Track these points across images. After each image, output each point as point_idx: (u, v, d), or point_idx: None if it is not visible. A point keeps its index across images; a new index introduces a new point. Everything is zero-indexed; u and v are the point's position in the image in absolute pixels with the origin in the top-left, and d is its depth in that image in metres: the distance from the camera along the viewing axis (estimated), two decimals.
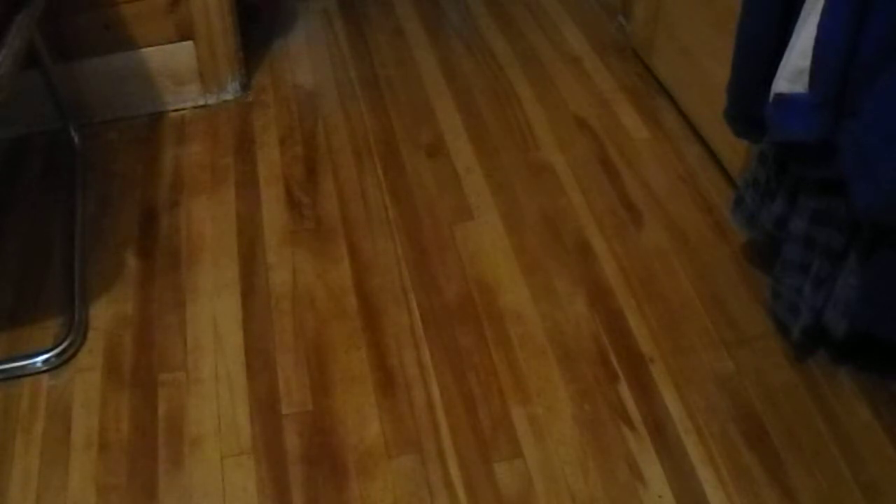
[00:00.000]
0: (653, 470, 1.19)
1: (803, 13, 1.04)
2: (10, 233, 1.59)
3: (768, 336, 1.35)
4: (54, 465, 1.23)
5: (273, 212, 1.60)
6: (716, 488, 1.16)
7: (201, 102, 1.86)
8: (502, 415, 1.26)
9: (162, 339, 1.39)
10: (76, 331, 1.39)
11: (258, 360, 1.35)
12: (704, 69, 1.62)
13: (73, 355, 1.37)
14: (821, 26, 0.98)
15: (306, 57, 1.99)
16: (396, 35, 2.06)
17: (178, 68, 1.81)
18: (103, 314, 1.43)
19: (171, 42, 1.77)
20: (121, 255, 1.53)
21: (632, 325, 1.37)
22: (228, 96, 1.87)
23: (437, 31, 2.06)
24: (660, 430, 1.23)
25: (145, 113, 1.84)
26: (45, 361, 1.35)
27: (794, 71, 1.04)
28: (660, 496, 1.16)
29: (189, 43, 1.78)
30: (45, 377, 1.34)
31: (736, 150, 1.51)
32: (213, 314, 1.42)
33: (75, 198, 1.63)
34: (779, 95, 1.07)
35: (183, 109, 1.85)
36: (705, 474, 1.18)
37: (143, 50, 1.77)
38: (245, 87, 1.89)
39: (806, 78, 1.03)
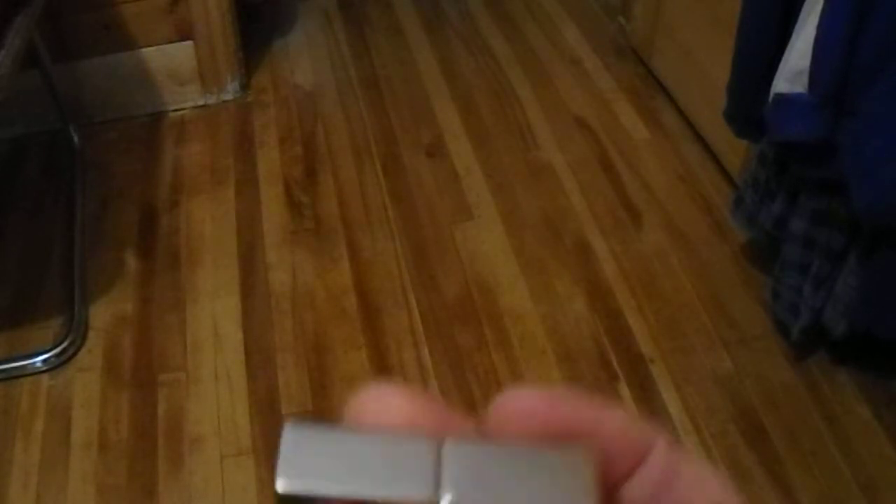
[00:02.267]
0: None
1: (803, 14, 1.04)
2: (10, 233, 1.59)
3: (768, 336, 1.35)
4: (54, 464, 1.23)
5: (273, 212, 1.60)
6: None
7: (201, 102, 1.86)
8: None
9: (162, 339, 1.39)
10: (76, 331, 1.39)
11: (258, 359, 1.35)
12: (704, 69, 1.62)
13: (73, 355, 1.37)
14: (820, 27, 0.98)
15: (306, 57, 1.99)
16: (396, 35, 2.06)
17: (177, 68, 1.81)
18: (103, 314, 1.43)
19: (171, 42, 1.77)
20: (120, 255, 1.53)
21: (632, 325, 1.37)
22: (228, 96, 1.87)
23: (437, 31, 2.06)
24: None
25: (145, 113, 1.84)
26: (44, 361, 1.35)
27: (793, 71, 1.04)
28: None
29: (189, 43, 1.78)
30: (44, 377, 1.34)
31: (736, 150, 1.51)
32: (212, 314, 1.42)
33: (75, 198, 1.63)
34: (778, 95, 1.07)
35: (183, 109, 1.85)
36: None
37: (143, 50, 1.77)
38: (245, 87, 1.89)
39: (805, 78, 1.03)
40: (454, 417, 0.21)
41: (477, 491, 0.20)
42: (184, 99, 1.85)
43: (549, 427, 0.21)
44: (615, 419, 0.21)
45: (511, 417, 0.21)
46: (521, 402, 0.21)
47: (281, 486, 0.20)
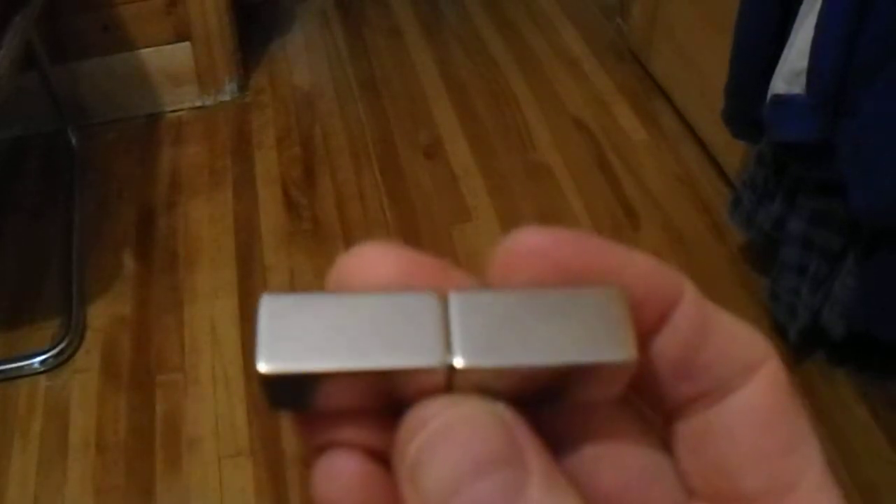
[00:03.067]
0: None
1: (801, 13, 1.04)
2: (8, 234, 1.58)
3: (766, 337, 1.34)
4: (52, 466, 1.23)
5: (271, 213, 1.60)
6: None
7: (199, 103, 1.86)
8: None
9: (159, 340, 1.39)
10: (73, 332, 1.39)
11: None
12: (702, 70, 1.62)
13: (71, 356, 1.37)
14: (819, 26, 0.98)
15: (304, 58, 1.99)
16: (394, 36, 2.06)
17: (175, 69, 1.81)
18: (101, 315, 1.43)
19: (169, 43, 1.77)
20: (118, 256, 1.53)
21: None
22: (226, 97, 1.87)
23: (435, 33, 2.06)
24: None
25: (143, 114, 1.84)
26: (42, 362, 1.35)
27: (791, 72, 1.04)
28: None
29: (187, 44, 1.78)
30: (42, 378, 1.34)
31: (734, 151, 1.51)
32: (210, 315, 1.42)
33: (73, 199, 1.63)
34: (776, 96, 1.07)
35: (180, 110, 1.85)
36: None
37: (141, 51, 1.77)
38: (242, 87, 1.89)
39: (803, 79, 1.03)
40: (453, 273, 0.18)
41: (495, 345, 0.17)
42: (181, 100, 1.85)
43: (565, 269, 0.18)
44: (641, 262, 0.18)
45: (520, 259, 0.18)
46: (530, 241, 0.18)
47: (264, 366, 0.17)
